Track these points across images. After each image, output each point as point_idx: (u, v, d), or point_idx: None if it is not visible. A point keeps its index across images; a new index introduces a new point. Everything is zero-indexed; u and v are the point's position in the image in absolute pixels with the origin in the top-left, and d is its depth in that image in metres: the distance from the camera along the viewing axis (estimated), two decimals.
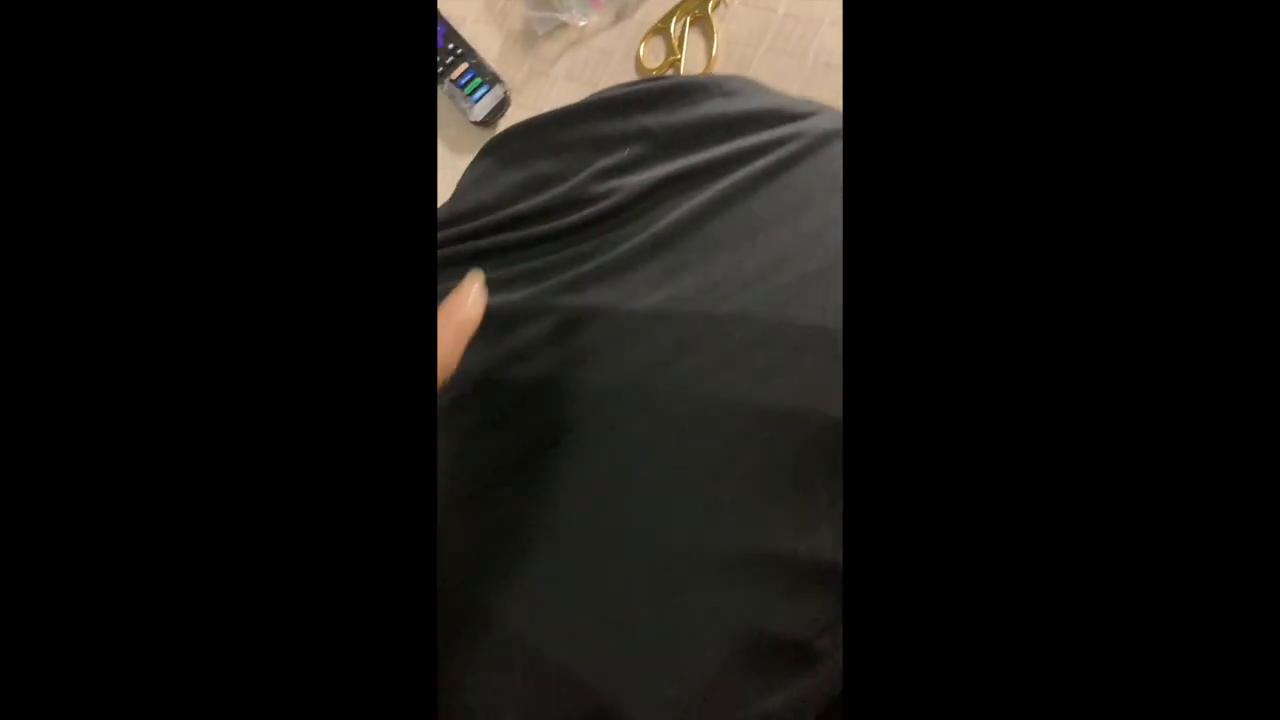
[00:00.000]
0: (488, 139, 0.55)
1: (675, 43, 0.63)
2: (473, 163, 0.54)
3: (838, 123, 0.47)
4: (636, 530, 0.41)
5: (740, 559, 0.39)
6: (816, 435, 0.41)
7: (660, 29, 0.64)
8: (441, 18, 0.68)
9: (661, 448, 0.42)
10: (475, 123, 0.64)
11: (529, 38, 0.67)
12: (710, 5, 0.63)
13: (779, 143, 0.47)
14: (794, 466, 0.40)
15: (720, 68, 0.62)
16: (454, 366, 0.36)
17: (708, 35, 0.63)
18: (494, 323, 0.45)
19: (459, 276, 0.47)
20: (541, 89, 0.66)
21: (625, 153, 0.49)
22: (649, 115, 0.50)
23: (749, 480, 0.41)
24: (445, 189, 0.59)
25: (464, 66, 0.64)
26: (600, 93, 0.52)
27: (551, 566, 0.40)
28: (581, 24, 0.65)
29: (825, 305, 0.43)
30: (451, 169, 0.62)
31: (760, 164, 0.47)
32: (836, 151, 0.47)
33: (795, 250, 0.45)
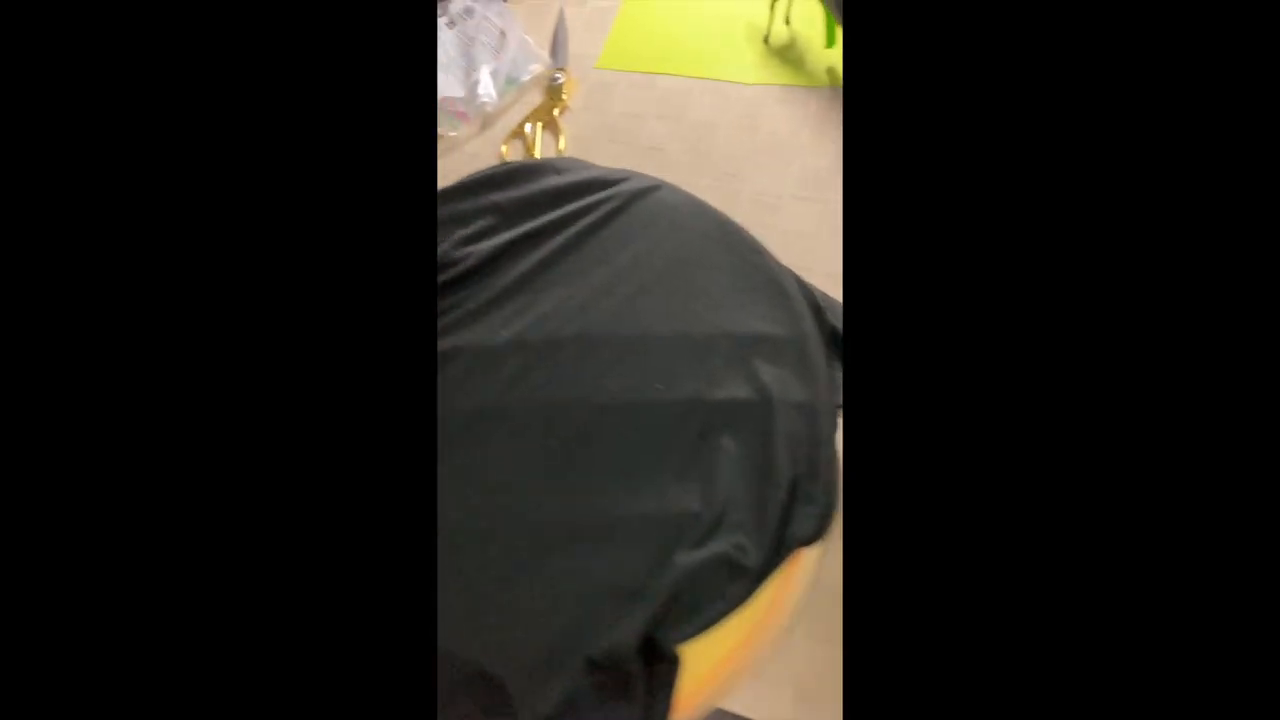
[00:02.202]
0: None
1: (530, 143, 0.77)
2: None
3: (643, 183, 0.60)
4: (490, 524, 0.48)
5: (585, 531, 0.47)
6: (640, 420, 0.50)
7: (518, 133, 0.78)
8: None
9: (511, 453, 0.51)
10: None
11: None
12: (556, 111, 0.78)
13: (601, 203, 0.60)
14: (622, 449, 0.50)
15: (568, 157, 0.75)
16: None
17: (556, 134, 0.77)
18: None
19: None
20: None
21: (479, 223, 0.61)
22: (498, 192, 0.62)
23: (587, 467, 0.50)
24: None
25: None
26: (461, 179, 0.64)
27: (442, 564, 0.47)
28: (453, 134, 0.79)
29: (641, 318, 0.54)
30: None
31: (586, 221, 0.59)
32: (644, 205, 0.59)
33: (615, 281, 0.56)
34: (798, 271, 0.64)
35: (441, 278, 0.59)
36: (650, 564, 0.46)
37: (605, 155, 0.75)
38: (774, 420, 0.49)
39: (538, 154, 0.76)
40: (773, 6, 0.74)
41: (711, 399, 0.51)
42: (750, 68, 0.75)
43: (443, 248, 0.60)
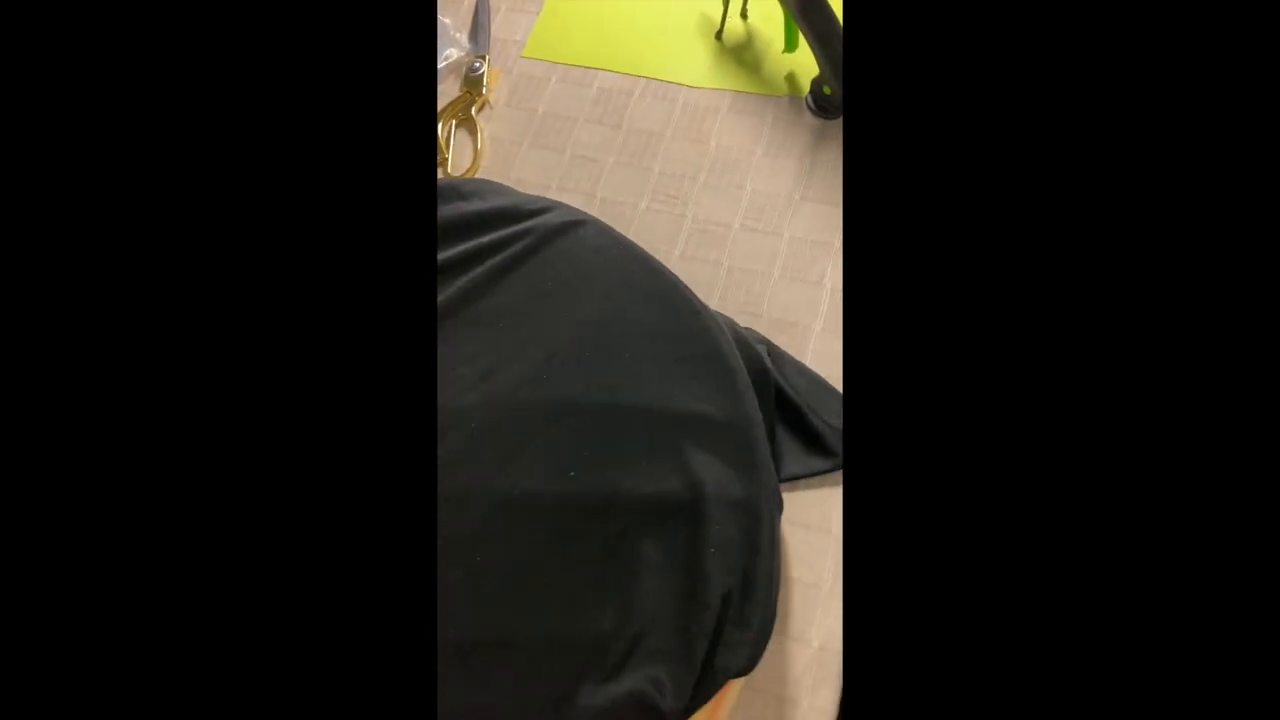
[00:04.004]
0: None
1: (443, 143, 0.66)
2: None
3: (566, 217, 0.51)
4: None
5: (473, 651, 0.40)
6: (548, 516, 0.42)
7: None
8: None
9: None
10: None
11: None
12: (475, 108, 0.67)
13: (514, 239, 0.50)
14: (526, 551, 0.42)
15: (486, 164, 0.65)
16: None
17: (473, 134, 0.66)
18: None
19: None
20: None
21: None
22: None
23: (482, 571, 0.41)
24: None
25: None
26: None
27: None
28: None
29: (552, 388, 0.45)
30: None
31: (496, 260, 0.50)
32: (564, 245, 0.50)
33: (524, 341, 0.47)
34: (740, 318, 0.56)
35: None
36: (549, 699, 0.39)
37: (530, 163, 0.65)
38: (705, 523, 0.41)
39: (450, 156, 0.66)
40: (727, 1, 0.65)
41: (633, 493, 0.43)
42: (701, 69, 0.66)
43: None
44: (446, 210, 0.52)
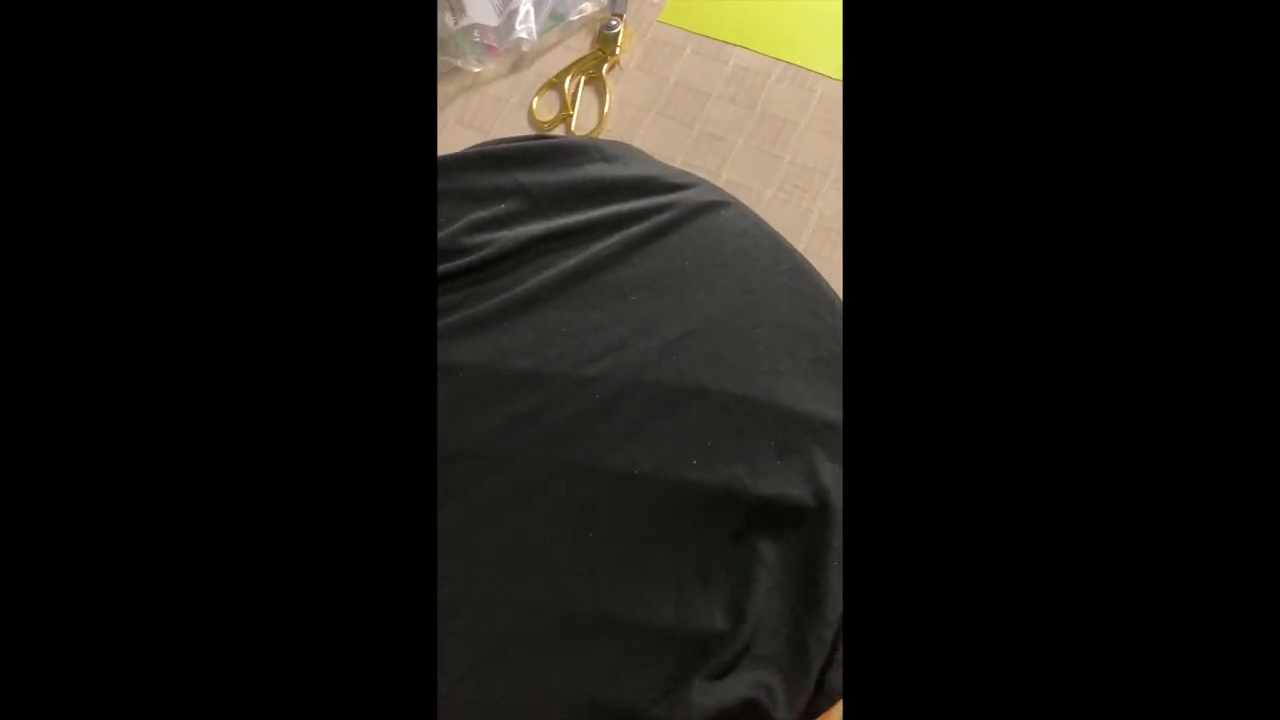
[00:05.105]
0: None
1: (569, 98, 0.64)
2: None
3: (710, 196, 0.49)
4: (473, 597, 0.39)
5: (579, 626, 0.39)
6: (666, 500, 0.41)
7: (555, 83, 0.65)
8: None
9: (508, 509, 0.41)
10: None
11: None
12: (605, 66, 0.65)
13: (654, 210, 0.49)
14: (640, 532, 0.41)
15: (610, 127, 0.63)
16: None
17: (601, 94, 0.64)
18: None
19: None
20: None
21: (501, 207, 0.49)
22: (527, 172, 0.51)
23: (594, 546, 0.40)
24: None
25: None
26: (480, 145, 0.51)
27: None
28: (476, 70, 0.65)
29: (682, 369, 0.44)
30: None
31: (634, 230, 0.48)
32: (707, 224, 0.48)
33: (661, 316, 0.46)
34: None
35: (445, 267, 0.47)
36: (660, 686, 0.38)
37: (656, 132, 0.63)
38: (830, 535, 0.40)
39: (575, 113, 0.64)
40: None
41: (755, 491, 0.41)
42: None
43: (451, 229, 0.49)
44: (588, 170, 0.50)
